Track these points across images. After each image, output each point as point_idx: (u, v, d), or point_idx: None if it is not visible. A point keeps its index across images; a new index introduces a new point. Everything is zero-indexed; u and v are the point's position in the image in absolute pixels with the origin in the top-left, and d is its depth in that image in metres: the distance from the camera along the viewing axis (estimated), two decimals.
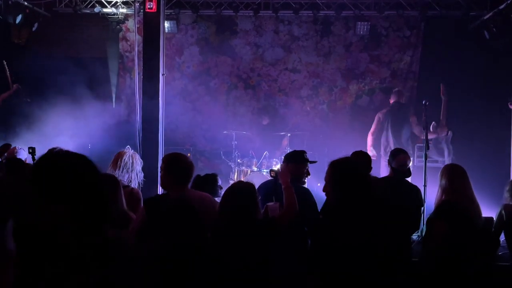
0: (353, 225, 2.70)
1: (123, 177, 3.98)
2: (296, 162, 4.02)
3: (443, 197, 3.93)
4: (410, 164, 5.17)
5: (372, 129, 8.21)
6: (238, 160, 8.53)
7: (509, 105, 7.09)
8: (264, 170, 8.12)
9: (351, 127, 9.50)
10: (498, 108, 7.75)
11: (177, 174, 3.45)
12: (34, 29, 8.95)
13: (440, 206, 3.88)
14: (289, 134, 8.68)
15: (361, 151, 4.75)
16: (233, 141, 8.67)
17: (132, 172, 4.07)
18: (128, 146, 4.33)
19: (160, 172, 3.56)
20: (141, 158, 4.38)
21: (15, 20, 8.24)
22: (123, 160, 4.02)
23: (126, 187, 3.90)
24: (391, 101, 8.26)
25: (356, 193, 2.77)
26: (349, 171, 2.89)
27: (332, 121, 9.96)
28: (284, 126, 9.35)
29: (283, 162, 4.10)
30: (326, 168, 2.92)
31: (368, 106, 9.96)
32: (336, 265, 2.69)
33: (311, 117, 10.04)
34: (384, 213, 2.80)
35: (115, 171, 3.96)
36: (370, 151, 7.89)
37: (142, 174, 4.18)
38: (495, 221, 4.48)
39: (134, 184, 4.12)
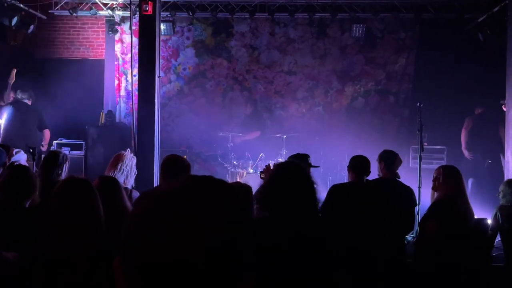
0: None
1: (121, 179, 4.00)
2: None
3: (437, 197, 3.96)
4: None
5: (465, 125, 8.15)
6: (234, 162, 8.53)
7: (503, 107, 7.14)
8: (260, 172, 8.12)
9: (347, 129, 9.52)
10: (493, 109, 7.80)
11: (173, 175, 3.48)
12: (30, 31, 8.94)
13: (433, 206, 3.91)
14: (284, 136, 8.69)
15: (360, 155, 4.59)
16: (229, 143, 8.68)
17: (130, 174, 4.10)
18: (128, 149, 4.35)
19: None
20: (137, 160, 4.41)
21: (10, 22, 8.23)
22: (124, 163, 4.04)
23: (125, 189, 3.92)
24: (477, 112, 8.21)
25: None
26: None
27: (328, 123, 9.98)
28: (279, 128, 9.34)
29: None
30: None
31: (363, 108, 9.99)
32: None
33: (306, 119, 10.06)
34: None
35: (114, 172, 3.97)
36: (465, 151, 8.07)
37: (135, 175, 4.21)
38: (491, 223, 4.51)
39: (129, 187, 4.15)
